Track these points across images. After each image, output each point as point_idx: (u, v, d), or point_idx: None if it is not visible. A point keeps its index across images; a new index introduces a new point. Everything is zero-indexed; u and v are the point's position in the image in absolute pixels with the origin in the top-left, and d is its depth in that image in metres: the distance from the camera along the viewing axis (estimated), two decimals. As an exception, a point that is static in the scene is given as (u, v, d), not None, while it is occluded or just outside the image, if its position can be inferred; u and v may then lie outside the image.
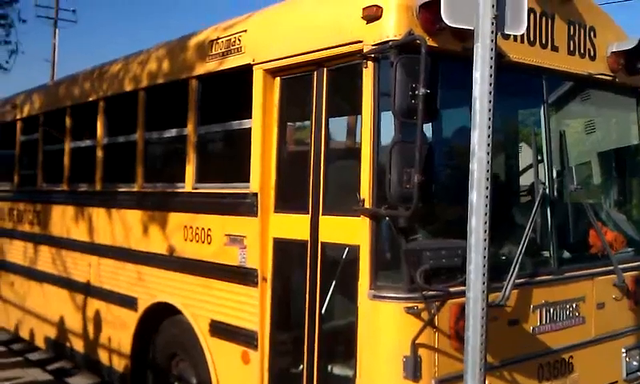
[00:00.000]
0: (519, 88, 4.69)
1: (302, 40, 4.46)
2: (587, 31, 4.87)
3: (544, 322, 4.56)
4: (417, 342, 3.86)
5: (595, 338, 4.89)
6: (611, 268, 4.92)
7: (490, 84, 2.98)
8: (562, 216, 4.82)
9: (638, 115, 5.45)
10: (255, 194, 4.75)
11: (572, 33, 4.77)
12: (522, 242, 4.28)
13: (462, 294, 3.88)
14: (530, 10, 3.82)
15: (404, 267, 3.87)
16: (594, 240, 4.99)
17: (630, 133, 5.50)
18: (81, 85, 7.29)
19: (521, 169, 5.25)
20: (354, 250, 4.09)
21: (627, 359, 5.13)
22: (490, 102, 3.01)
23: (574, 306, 4.77)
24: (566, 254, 4.83)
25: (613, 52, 4.99)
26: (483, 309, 3.23)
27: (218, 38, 5.19)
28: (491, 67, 2.98)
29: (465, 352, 3.42)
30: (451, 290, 3.88)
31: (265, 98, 4.71)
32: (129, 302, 6.08)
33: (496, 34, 3.02)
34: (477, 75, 3.04)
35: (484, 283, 3.21)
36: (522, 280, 4.36)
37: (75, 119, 7.38)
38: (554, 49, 4.64)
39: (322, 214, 4.39)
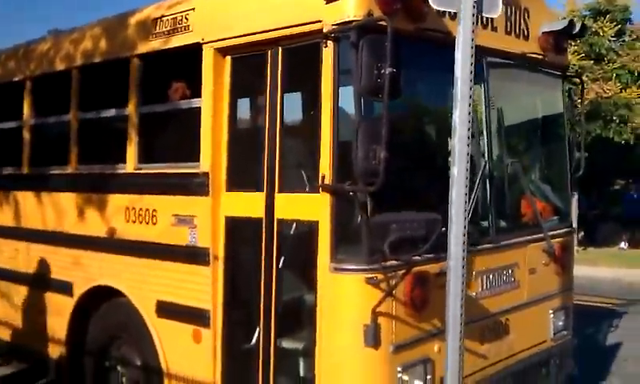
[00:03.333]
0: None
1: (256, 19, 4.48)
2: (522, 12, 5.14)
3: (485, 288, 4.83)
4: (377, 310, 4.02)
5: (527, 302, 5.23)
6: (541, 235, 5.29)
7: (471, 64, 3.15)
8: (500, 188, 5.11)
9: (563, 92, 5.83)
10: (206, 174, 4.75)
11: (509, 13, 5.01)
12: (467, 213, 4.51)
13: (419, 264, 4.11)
14: None
15: (365, 240, 4.01)
16: (527, 210, 5.33)
17: (555, 109, 5.85)
18: (3, 64, 6.97)
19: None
20: (313, 226, 4.19)
21: (554, 320, 5.53)
22: (471, 81, 3.18)
23: (510, 271, 5.07)
24: (503, 224, 5.12)
25: (543, 32, 5.28)
26: (463, 275, 3.43)
27: (163, 16, 5.11)
28: (472, 48, 3.14)
29: (446, 317, 3.72)
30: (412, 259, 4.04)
31: (215, 77, 4.70)
32: (64, 288, 5.93)
33: (477, 17, 3.20)
34: (458, 56, 3.20)
35: (464, 251, 3.41)
36: None
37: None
38: (494, 29, 4.87)
39: (278, 192, 4.46)
